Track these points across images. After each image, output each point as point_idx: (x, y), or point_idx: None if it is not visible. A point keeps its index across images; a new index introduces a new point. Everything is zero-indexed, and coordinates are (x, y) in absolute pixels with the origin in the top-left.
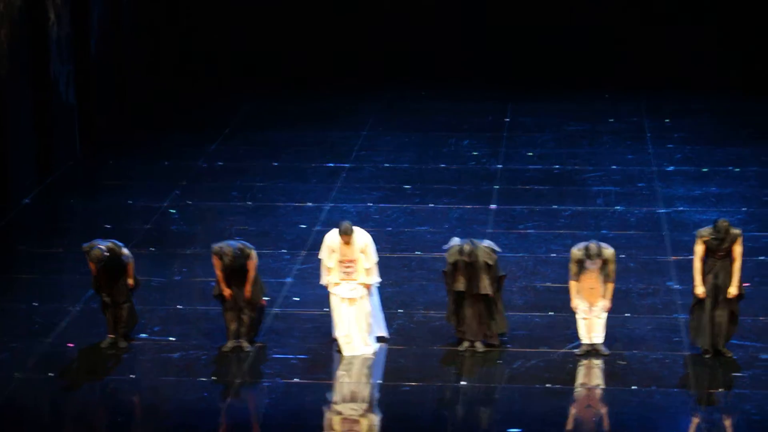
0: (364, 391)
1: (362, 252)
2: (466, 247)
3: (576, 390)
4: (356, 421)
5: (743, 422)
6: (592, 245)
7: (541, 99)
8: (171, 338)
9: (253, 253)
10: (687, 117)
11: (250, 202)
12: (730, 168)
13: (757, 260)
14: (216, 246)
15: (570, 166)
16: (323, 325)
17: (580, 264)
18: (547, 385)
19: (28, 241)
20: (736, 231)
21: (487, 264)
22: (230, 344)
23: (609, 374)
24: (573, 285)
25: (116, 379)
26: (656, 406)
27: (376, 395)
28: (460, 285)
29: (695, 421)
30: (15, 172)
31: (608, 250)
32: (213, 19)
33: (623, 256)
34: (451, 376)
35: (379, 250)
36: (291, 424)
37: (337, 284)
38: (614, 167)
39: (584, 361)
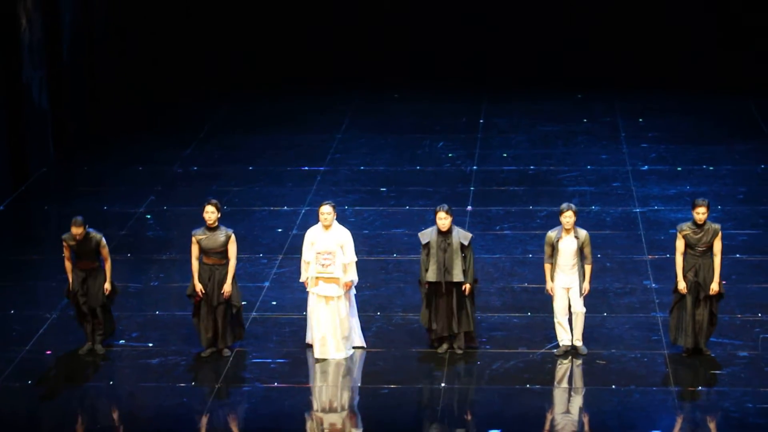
0: (344, 395)
1: (340, 246)
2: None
3: (555, 390)
4: (336, 425)
5: (722, 420)
6: (563, 204)
7: (515, 100)
8: (149, 344)
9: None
10: (661, 116)
11: (226, 207)
12: (705, 167)
13: (734, 258)
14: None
15: (545, 166)
16: (301, 329)
17: (554, 247)
18: (527, 386)
19: (3, 248)
20: (716, 226)
21: (461, 246)
22: (208, 351)
23: (588, 374)
24: (548, 267)
25: (95, 386)
26: (636, 404)
27: (356, 399)
28: (432, 275)
29: (675, 419)
30: None
31: (583, 231)
32: (186, 23)
33: (600, 255)
34: (430, 379)
35: (356, 253)
36: (271, 429)
37: (315, 284)
38: (589, 167)
39: (563, 361)
